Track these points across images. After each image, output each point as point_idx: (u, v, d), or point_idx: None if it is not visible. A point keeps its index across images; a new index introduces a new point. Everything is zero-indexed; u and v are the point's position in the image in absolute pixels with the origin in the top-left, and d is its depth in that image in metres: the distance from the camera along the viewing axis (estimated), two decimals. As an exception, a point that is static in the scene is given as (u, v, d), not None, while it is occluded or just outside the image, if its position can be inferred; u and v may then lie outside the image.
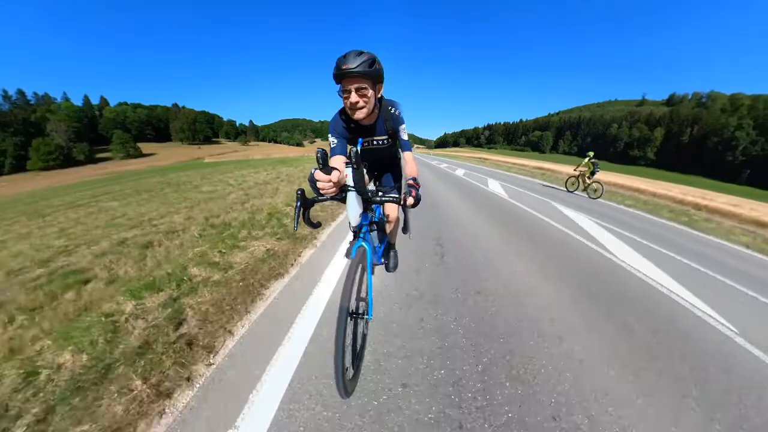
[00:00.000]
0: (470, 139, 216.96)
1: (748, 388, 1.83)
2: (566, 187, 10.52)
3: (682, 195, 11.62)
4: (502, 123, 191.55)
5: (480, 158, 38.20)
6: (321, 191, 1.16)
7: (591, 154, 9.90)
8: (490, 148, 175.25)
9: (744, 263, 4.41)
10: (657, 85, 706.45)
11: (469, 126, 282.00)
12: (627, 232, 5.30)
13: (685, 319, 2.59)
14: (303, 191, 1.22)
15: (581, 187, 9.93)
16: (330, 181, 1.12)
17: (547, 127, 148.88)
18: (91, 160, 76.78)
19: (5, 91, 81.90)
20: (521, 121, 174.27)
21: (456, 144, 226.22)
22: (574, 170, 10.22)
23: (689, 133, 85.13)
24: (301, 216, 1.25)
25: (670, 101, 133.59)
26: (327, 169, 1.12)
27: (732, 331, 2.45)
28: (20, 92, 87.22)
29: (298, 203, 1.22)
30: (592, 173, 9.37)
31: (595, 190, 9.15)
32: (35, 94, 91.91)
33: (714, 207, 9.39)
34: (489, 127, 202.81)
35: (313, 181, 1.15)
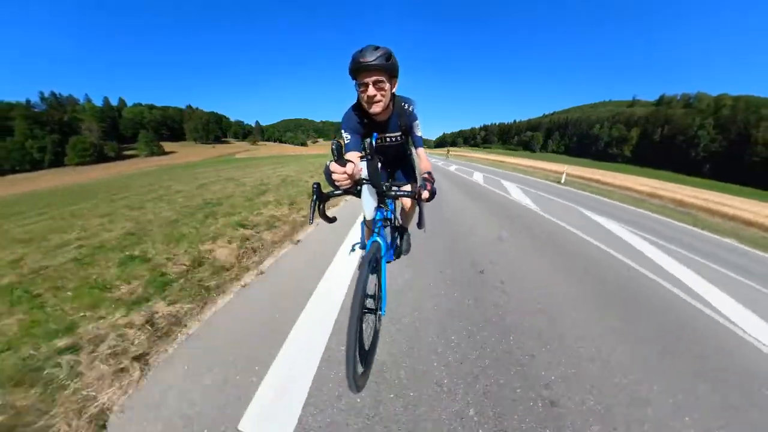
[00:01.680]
0: (467, 139, 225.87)
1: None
2: (445, 157, 29.76)
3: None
4: (497, 124, 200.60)
5: (468, 156, 48.61)
6: (336, 183, 1.17)
7: (449, 148, 38.73)
8: (485, 147, 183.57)
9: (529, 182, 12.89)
10: (650, 86, 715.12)
11: (466, 126, 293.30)
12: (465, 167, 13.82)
13: (498, 197, 10.94)
14: (319, 185, 1.25)
15: (447, 156, 33.67)
16: (345, 173, 1.13)
17: (538, 128, 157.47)
18: (119, 156, 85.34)
19: (42, 93, 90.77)
20: (515, 122, 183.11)
21: (454, 144, 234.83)
22: (445, 152, 40.15)
23: (660, 132, 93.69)
24: (317, 209, 1.28)
25: (660, 102, 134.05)
26: (342, 161, 1.13)
27: (532, 209, 10.81)
28: (53, 94, 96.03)
29: (315, 197, 1.25)
30: (449, 152, 40.88)
31: (448, 158, 31.54)
32: (59, 95, 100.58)
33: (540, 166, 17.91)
34: (485, 128, 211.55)
35: (328, 173, 1.16)
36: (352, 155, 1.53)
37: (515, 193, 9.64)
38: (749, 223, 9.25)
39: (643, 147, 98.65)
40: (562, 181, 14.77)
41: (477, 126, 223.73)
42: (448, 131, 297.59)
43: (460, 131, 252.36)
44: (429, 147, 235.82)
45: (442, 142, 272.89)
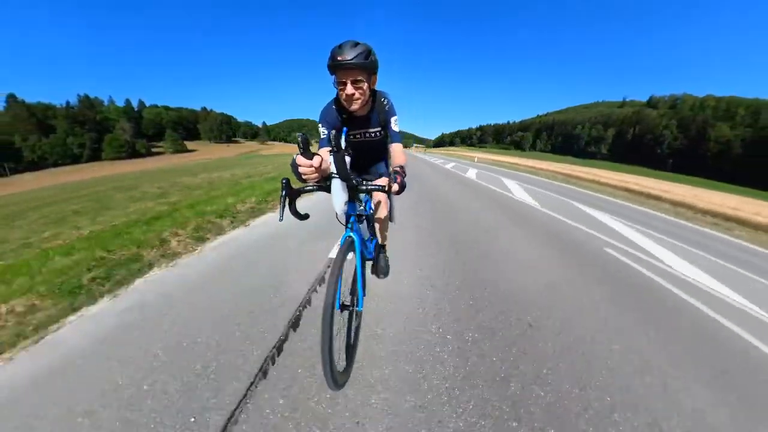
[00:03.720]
0: (464, 139, 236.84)
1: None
2: (423, 152, 51.49)
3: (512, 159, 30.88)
4: (492, 124, 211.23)
5: (443, 152, 61.34)
6: (303, 176, 1.14)
7: (426, 147, 54.57)
8: (481, 147, 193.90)
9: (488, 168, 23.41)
10: (644, 87, 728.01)
11: (464, 126, 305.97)
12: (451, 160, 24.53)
13: (460, 177, 21.19)
14: (288, 180, 1.20)
15: (423, 151, 53.18)
16: (312, 166, 1.10)
17: (529, 129, 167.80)
18: (149, 153, 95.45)
19: (79, 95, 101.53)
20: (508, 123, 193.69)
21: (452, 143, 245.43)
22: (423, 149, 63.86)
23: (632, 132, 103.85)
24: (287, 206, 1.23)
25: (650, 102, 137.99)
26: (308, 154, 1.10)
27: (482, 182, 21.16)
28: (86, 96, 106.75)
29: (283, 192, 1.19)
30: (426, 150, 46.09)
31: (426, 152, 51.99)
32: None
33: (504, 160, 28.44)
34: (480, 128, 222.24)
35: (295, 166, 1.12)
36: (326, 151, 1.42)
37: (439, 162, 21.18)
38: (559, 173, 19.54)
39: (617, 146, 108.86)
40: (476, 160, 26.65)
41: (474, 126, 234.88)
42: (447, 131, 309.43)
43: (458, 131, 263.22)
44: (428, 146, 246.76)
45: (441, 142, 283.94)
